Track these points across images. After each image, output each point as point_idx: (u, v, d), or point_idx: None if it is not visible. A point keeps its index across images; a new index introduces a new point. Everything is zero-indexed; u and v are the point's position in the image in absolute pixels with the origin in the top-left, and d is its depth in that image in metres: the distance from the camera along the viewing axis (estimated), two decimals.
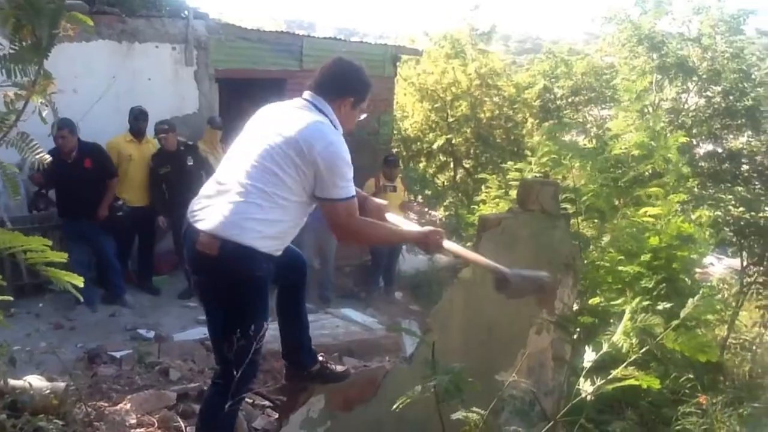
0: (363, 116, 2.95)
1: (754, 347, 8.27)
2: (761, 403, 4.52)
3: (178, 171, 6.82)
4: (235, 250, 2.55)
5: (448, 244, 2.85)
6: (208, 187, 2.74)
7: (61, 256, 2.18)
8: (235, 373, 2.65)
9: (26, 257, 2.02)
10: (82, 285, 2.26)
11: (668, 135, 7.93)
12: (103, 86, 7.13)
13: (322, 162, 2.58)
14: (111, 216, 6.57)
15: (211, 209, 2.63)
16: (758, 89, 11.11)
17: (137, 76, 7.46)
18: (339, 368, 3.21)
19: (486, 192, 7.63)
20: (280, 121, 2.69)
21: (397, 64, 10.09)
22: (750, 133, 11.43)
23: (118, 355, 4.84)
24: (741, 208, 9.52)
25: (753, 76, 11.33)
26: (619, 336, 2.48)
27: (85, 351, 5.12)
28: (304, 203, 2.70)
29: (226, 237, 2.55)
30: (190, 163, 6.90)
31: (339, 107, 2.78)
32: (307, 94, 2.80)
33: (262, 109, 2.87)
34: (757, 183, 11.02)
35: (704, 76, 11.22)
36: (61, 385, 3.23)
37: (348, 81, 2.82)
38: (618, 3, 12.22)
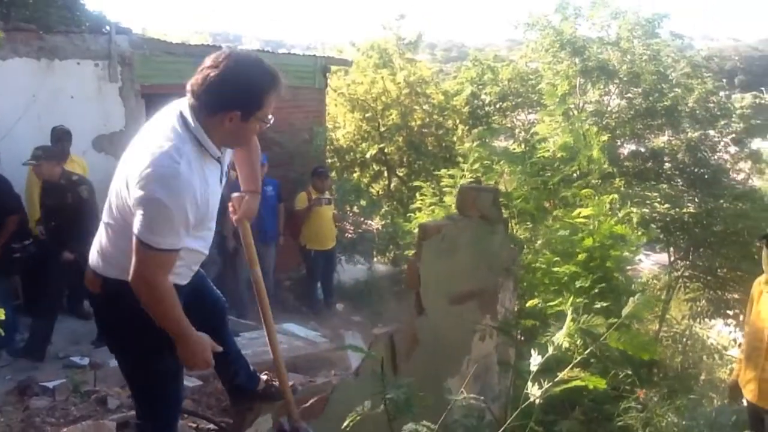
0: (266, 125, 2.39)
1: (684, 339, 8.58)
2: (695, 394, 4.67)
3: (57, 205, 5.98)
4: (119, 287, 2.29)
5: (208, 362, 2.46)
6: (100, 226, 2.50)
7: None
8: (154, 413, 2.57)
9: None
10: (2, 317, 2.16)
11: (591, 136, 8.18)
12: (22, 106, 6.89)
13: (141, 200, 2.14)
14: (8, 257, 5.95)
15: (95, 243, 2.47)
16: (675, 89, 11.57)
17: (59, 94, 7.21)
18: None
19: (420, 200, 7.68)
20: (131, 150, 2.32)
21: (327, 75, 10.07)
22: (670, 132, 11.88)
23: (50, 385, 4.63)
24: (666, 205, 9.86)
25: (670, 77, 11.80)
26: (563, 337, 2.52)
27: (16, 383, 4.88)
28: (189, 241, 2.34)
29: (107, 275, 2.38)
30: (69, 200, 5.91)
31: (222, 122, 2.24)
32: (185, 102, 2.31)
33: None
34: (679, 180, 11.45)
35: (625, 79, 11.63)
36: None
37: (230, 92, 2.21)
38: (539, 9, 12.57)
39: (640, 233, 5.80)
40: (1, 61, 6.74)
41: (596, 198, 6.00)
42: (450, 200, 6.44)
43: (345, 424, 2.50)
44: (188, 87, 2.27)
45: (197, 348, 2.38)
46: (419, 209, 7.28)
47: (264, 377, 3.09)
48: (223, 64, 2.20)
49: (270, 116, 2.36)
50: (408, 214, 7.69)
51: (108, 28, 7.88)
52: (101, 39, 7.58)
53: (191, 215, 2.19)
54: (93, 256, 2.44)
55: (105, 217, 2.42)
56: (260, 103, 2.27)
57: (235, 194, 2.81)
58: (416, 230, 6.69)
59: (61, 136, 6.59)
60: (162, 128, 2.27)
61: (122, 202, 2.27)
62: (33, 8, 8.30)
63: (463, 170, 6.70)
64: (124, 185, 2.25)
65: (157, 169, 2.12)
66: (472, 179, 6.88)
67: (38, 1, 8.42)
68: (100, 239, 2.43)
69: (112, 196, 2.37)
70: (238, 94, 2.23)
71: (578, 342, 2.89)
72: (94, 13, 9.83)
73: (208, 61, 2.24)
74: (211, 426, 3.65)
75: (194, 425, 3.64)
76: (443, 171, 6.90)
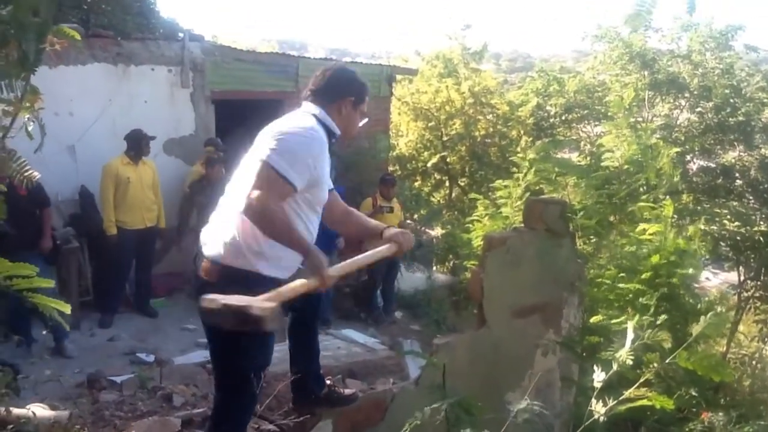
0: (365, 120, 2.85)
1: (753, 362, 8.26)
2: (765, 419, 4.50)
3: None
4: (236, 276, 2.46)
5: (332, 271, 2.50)
6: (216, 211, 2.67)
7: (48, 283, 2.14)
8: (232, 405, 2.61)
9: (12, 283, 1.99)
10: (68, 311, 2.23)
11: (660, 148, 8.00)
12: (99, 109, 7.17)
13: (280, 131, 2.53)
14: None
15: (212, 233, 2.58)
16: (748, 104, 11.19)
17: (134, 99, 7.47)
18: (347, 392, 3.19)
19: (478, 212, 7.62)
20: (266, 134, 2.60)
21: (392, 84, 10.13)
22: (742, 148, 11.49)
23: (118, 380, 4.79)
24: (736, 223, 9.55)
25: (743, 92, 11.42)
26: (626, 354, 2.48)
27: (85, 376, 5.06)
28: (293, 203, 2.55)
29: (225, 263, 2.49)
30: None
31: (339, 109, 2.71)
32: (303, 103, 2.75)
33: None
34: (750, 197, 11.05)
35: (695, 92, 11.31)
36: (65, 413, 3.19)
37: (345, 82, 2.76)
38: (607, 21, 12.34)
39: (702, 249, 5.65)
40: (81, 66, 7.01)
41: (661, 210, 5.86)
42: (507, 211, 6.38)
43: (403, 430, 2.51)
44: (307, 89, 2.75)
45: (321, 262, 2.47)
46: (477, 220, 7.25)
47: (328, 382, 3.13)
48: (334, 68, 2.78)
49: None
50: (466, 225, 7.65)
51: (181, 35, 8.11)
52: (175, 46, 7.81)
53: (312, 165, 2.51)
54: (212, 246, 2.54)
55: (231, 203, 2.55)
56: (364, 95, 2.80)
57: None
58: (474, 241, 6.69)
59: (144, 140, 6.80)
60: (289, 120, 2.63)
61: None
62: (111, 15, 8.60)
63: (518, 181, 6.63)
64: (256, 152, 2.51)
65: (300, 122, 2.58)
66: (528, 191, 6.80)
67: (116, 8, 8.72)
68: (227, 230, 2.52)
69: (240, 182, 2.54)
70: (351, 86, 2.76)
71: (643, 359, 2.83)
72: (168, 20, 10.14)
73: (320, 70, 2.78)
74: (272, 427, 3.71)
75: (256, 426, 3.70)
76: (498, 182, 6.84)
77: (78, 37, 1.98)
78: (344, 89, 2.73)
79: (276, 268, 2.54)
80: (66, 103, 6.89)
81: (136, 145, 6.76)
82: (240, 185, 2.53)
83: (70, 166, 7.02)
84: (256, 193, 2.37)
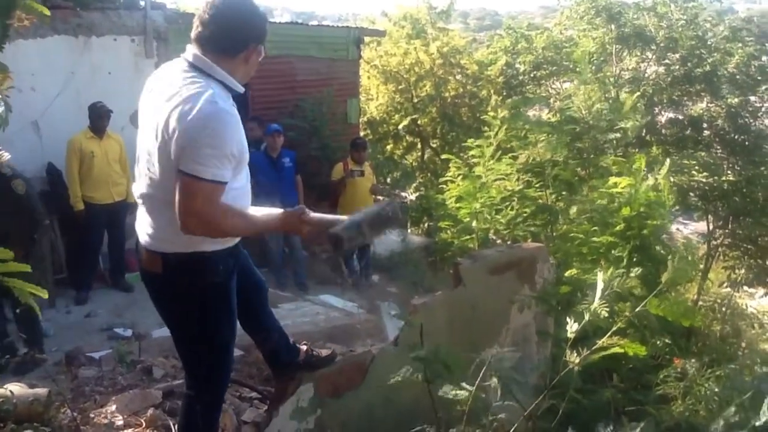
0: (261, 57, 2.40)
1: (723, 308, 8.47)
2: (737, 363, 4.62)
3: None
4: (181, 262, 2.33)
5: (309, 218, 2.49)
6: (139, 197, 2.43)
7: (24, 268, 2.12)
8: (205, 384, 2.58)
9: None
10: (46, 296, 2.20)
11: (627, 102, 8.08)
12: (62, 83, 7.01)
13: (186, 132, 2.11)
14: None
15: (141, 220, 2.43)
16: (714, 55, 11.28)
17: (97, 71, 7.30)
18: (324, 352, 3.19)
19: (450, 172, 7.63)
20: (158, 109, 2.23)
21: (361, 46, 10.03)
22: (709, 98, 11.61)
23: (96, 356, 4.77)
24: (704, 173, 9.69)
25: (708, 42, 11.50)
26: (598, 304, 2.52)
27: (63, 354, 5.03)
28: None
29: (164, 250, 2.34)
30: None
31: (245, 59, 2.32)
32: (190, 53, 2.30)
33: (145, 86, 2.46)
34: (718, 147, 11.22)
35: (662, 45, 11.38)
36: (44, 391, 3.18)
37: (249, 25, 2.30)
38: None
39: (672, 200, 5.75)
40: (41, 39, 6.82)
41: (632, 163, 5.93)
42: (479, 170, 6.40)
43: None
44: (194, 37, 2.29)
45: (290, 223, 2.47)
46: (451, 181, 7.28)
47: (303, 347, 3.14)
48: (229, 7, 2.26)
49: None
50: (439, 186, 7.67)
51: (143, 3, 7.92)
52: (136, 15, 7.62)
53: (236, 149, 2.20)
54: (145, 236, 2.40)
55: (142, 190, 2.36)
56: (266, 31, 2.37)
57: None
58: (448, 201, 6.71)
59: (103, 114, 6.66)
60: (179, 80, 2.24)
61: (161, 156, 2.22)
62: None
63: (489, 139, 6.64)
64: (157, 139, 2.21)
65: (202, 107, 2.12)
66: (500, 149, 6.80)
67: None
68: (145, 217, 2.39)
69: (143, 163, 2.34)
70: (254, 28, 2.31)
71: (616, 309, 2.89)
72: None
73: (203, 10, 2.26)
74: (254, 394, 3.74)
75: (237, 394, 3.73)
76: (470, 141, 6.83)
77: (47, 12, 1.92)
78: (247, 37, 2.29)
79: (216, 243, 2.37)
80: (27, 78, 6.70)
81: (96, 119, 6.64)
82: (142, 168, 2.34)
83: (35, 142, 6.87)
84: (190, 215, 2.15)
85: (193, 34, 2.31)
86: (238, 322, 2.65)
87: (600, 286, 2.48)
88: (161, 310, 2.55)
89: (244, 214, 2.38)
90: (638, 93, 9.70)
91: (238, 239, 2.48)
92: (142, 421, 3.20)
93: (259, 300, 2.88)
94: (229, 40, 2.28)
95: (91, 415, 3.27)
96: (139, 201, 2.40)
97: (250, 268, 2.81)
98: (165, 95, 2.23)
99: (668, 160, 6.17)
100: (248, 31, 2.31)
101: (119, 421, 3.20)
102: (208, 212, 2.16)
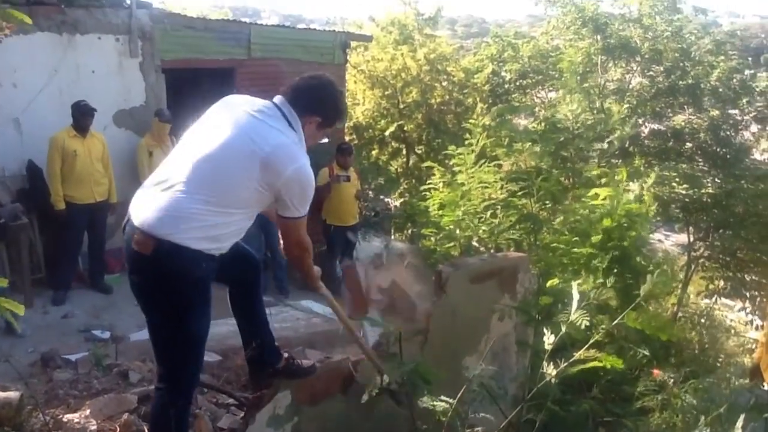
0: (325, 140, 2.84)
1: (702, 320, 8.53)
2: (714, 376, 4.65)
3: None
4: (171, 250, 2.41)
5: (324, 291, 3.20)
6: (150, 180, 2.58)
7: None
8: (177, 376, 2.61)
9: None
10: (22, 313, 2.18)
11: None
12: (44, 80, 6.93)
13: (290, 187, 2.54)
14: None
15: (150, 204, 2.48)
16: (697, 67, 11.39)
17: (80, 69, 7.21)
18: (305, 363, 3.18)
19: (434, 180, 7.62)
20: (249, 125, 2.53)
21: (347, 51, 10.02)
22: (692, 110, 11.71)
23: (73, 358, 4.71)
24: (685, 185, 9.77)
25: (692, 55, 11.60)
26: (574, 315, 2.52)
27: (39, 355, 4.96)
28: (253, 214, 2.63)
29: (161, 236, 2.41)
30: None
31: (306, 123, 2.66)
32: (279, 99, 2.66)
33: (224, 100, 2.72)
34: (700, 160, 11.30)
35: (647, 56, 11.47)
36: (16, 394, 3.12)
37: (324, 101, 2.70)
38: None
39: (653, 211, 5.79)
40: (24, 36, 6.74)
41: (615, 174, 5.96)
42: (462, 178, 6.40)
43: (365, 396, 2.54)
44: (293, 84, 2.70)
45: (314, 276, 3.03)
46: (434, 188, 7.28)
47: (285, 355, 3.12)
48: (322, 81, 2.73)
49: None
50: (423, 193, 7.66)
51: (128, 2, 7.86)
52: (122, 13, 7.55)
53: None
54: (149, 218, 2.45)
55: (196, 189, 2.45)
56: (335, 122, 2.80)
57: None
58: (431, 208, 6.71)
59: (86, 112, 6.59)
60: (277, 117, 2.61)
61: (252, 183, 2.49)
62: None
63: (471, 147, 6.65)
64: (259, 169, 2.47)
65: (302, 162, 2.57)
66: (483, 157, 6.82)
67: None
68: (165, 200, 2.44)
69: (201, 158, 2.48)
70: (328, 108, 2.72)
71: (594, 321, 2.89)
72: None
73: (311, 74, 2.74)
74: (231, 401, 3.70)
75: (214, 400, 3.69)
76: (451, 148, 6.83)
77: (29, 20, 1.90)
78: (318, 108, 2.69)
79: (218, 249, 2.55)
80: (9, 74, 6.64)
81: (80, 117, 6.57)
82: (197, 158, 2.48)
83: (15, 139, 6.78)
84: (297, 244, 2.76)
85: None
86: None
87: (576, 297, 2.49)
88: (142, 295, 2.62)
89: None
90: (626, 105, 9.78)
91: (224, 249, 2.59)
92: (116, 426, 3.15)
93: (250, 288, 3.04)
94: (313, 101, 2.70)
95: (64, 420, 3.22)
96: (166, 184, 2.48)
97: (249, 252, 2.99)
98: (256, 121, 2.57)
99: (654, 171, 6.23)
100: (326, 105, 2.74)
101: (92, 426, 3.16)
102: (305, 239, 2.76)
